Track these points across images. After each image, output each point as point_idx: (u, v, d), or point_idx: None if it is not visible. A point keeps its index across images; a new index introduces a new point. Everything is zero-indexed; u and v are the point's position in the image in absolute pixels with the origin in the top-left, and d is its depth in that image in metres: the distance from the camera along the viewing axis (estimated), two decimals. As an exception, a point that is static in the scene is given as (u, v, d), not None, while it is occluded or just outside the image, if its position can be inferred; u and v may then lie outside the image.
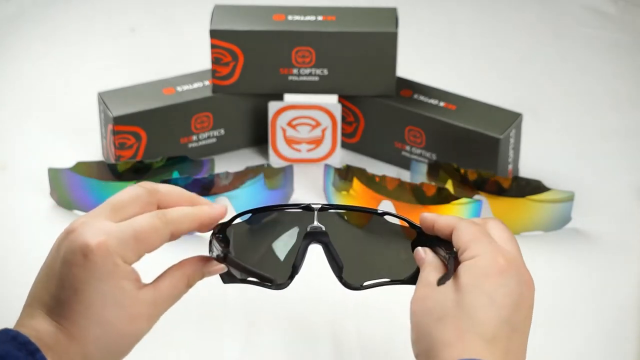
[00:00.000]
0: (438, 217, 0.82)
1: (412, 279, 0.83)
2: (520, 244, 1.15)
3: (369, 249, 0.85)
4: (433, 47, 1.61)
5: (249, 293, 1.05)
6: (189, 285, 0.79)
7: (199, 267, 0.79)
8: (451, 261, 0.79)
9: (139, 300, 0.75)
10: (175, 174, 1.20)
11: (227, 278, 0.83)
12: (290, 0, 1.43)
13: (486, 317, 0.74)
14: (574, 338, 1.01)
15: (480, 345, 0.73)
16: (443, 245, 0.81)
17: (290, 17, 1.26)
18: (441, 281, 0.77)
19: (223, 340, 1.00)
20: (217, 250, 0.81)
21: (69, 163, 1.19)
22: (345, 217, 0.85)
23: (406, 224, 0.84)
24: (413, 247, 0.83)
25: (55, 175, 1.18)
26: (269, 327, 1.02)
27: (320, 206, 0.84)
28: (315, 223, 0.83)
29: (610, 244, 1.15)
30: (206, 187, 1.15)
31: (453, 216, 0.82)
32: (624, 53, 1.58)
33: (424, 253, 0.81)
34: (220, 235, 0.82)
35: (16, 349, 0.70)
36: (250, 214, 0.84)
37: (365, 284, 0.85)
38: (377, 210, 0.85)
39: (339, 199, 1.19)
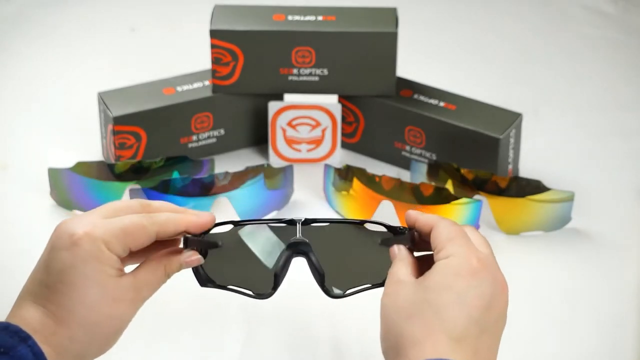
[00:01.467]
0: (420, 214, 0.83)
1: None
2: (520, 244, 1.16)
3: (351, 257, 0.87)
4: (433, 47, 1.61)
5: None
6: (167, 274, 0.81)
7: (174, 256, 0.82)
8: (407, 236, 0.82)
9: (120, 284, 0.77)
10: (175, 174, 1.20)
11: (204, 281, 0.84)
12: (290, 0, 1.43)
13: (455, 317, 0.74)
14: (573, 338, 1.01)
15: (448, 344, 0.73)
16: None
17: (290, 17, 1.26)
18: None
19: (223, 338, 1.00)
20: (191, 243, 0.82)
21: (69, 163, 1.19)
22: (328, 228, 0.87)
23: (384, 229, 0.86)
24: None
25: (55, 175, 1.18)
26: (270, 325, 1.02)
27: (303, 219, 0.85)
28: (298, 235, 0.84)
29: (610, 244, 1.15)
30: (206, 187, 1.15)
31: (435, 215, 0.82)
32: (624, 53, 1.58)
33: (397, 250, 0.82)
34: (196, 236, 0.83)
35: (9, 337, 0.73)
36: (232, 225, 0.86)
37: (348, 291, 0.86)
38: (356, 220, 0.87)
39: (339, 199, 1.19)
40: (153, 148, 1.26)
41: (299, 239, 0.84)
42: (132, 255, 0.81)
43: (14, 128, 1.37)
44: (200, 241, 0.83)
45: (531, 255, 1.14)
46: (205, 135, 1.29)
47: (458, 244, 0.78)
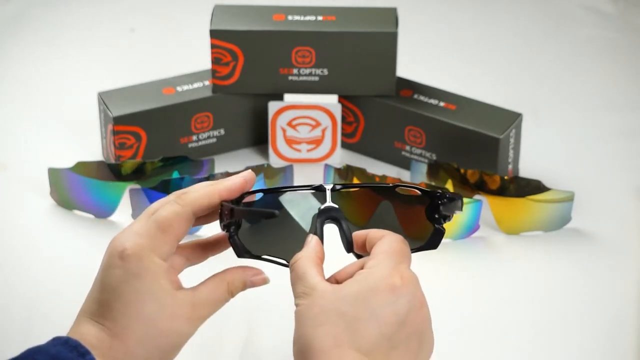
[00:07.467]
0: (370, 230, 0.82)
1: (430, 244, 0.84)
2: (520, 244, 1.16)
3: (384, 222, 0.86)
4: (433, 47, 1.61)
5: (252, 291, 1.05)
6: (230, 292, 0.80)
7: (239, 274, 0.81)
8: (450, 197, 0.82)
9: (177, 299, 0.77)
10: (175, 174, 1.20)
11: (241, 252, 0.83)
12: (290, 0, 1.43)
13: (366, 331, 0.73)
14: (573, 338, 1.01)
15: (355, 357, 0.73)
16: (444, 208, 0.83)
17: (290, 17, 1.26)
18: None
19: (223, 336, 1.00)
20: (226, 216, 0.80)
21: (69, 163, 1.19)
22: (358, 195, 0.86)
23: (418, 192, 0.85)
24: (427, 214, 0.84)
25: (55, 175, 1.18)
26: (271, 323, 1.02)
27: (332, 186, 0.84)
28: (328, 202, 0.84)
29: (610, 244, 1.15)
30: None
31: (387, 231, 0.82)
32: (624, 53, 1.58)
33: (310, 239, 0.81)
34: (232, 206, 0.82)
35: (68, 351, 0.73)
36: (262, 194, 0.85)
37: None
38: (388, 184, 0.87)
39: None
40: (153, 148, 1.26)
41: (329, 206, 0.83)
42: (198, 219, 0.80)
43: (14, 128, 1.37)
44: (242, 210, 0.81)
45: (531, 255, 1.14)
46: (205, 135, 1.29)
47: (388, 258, 0.77)
